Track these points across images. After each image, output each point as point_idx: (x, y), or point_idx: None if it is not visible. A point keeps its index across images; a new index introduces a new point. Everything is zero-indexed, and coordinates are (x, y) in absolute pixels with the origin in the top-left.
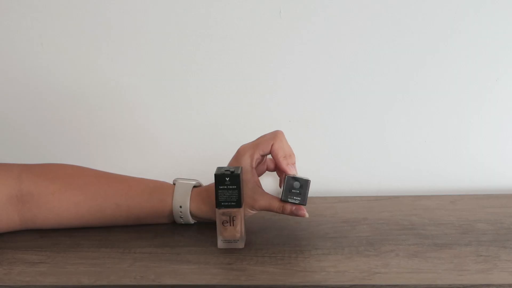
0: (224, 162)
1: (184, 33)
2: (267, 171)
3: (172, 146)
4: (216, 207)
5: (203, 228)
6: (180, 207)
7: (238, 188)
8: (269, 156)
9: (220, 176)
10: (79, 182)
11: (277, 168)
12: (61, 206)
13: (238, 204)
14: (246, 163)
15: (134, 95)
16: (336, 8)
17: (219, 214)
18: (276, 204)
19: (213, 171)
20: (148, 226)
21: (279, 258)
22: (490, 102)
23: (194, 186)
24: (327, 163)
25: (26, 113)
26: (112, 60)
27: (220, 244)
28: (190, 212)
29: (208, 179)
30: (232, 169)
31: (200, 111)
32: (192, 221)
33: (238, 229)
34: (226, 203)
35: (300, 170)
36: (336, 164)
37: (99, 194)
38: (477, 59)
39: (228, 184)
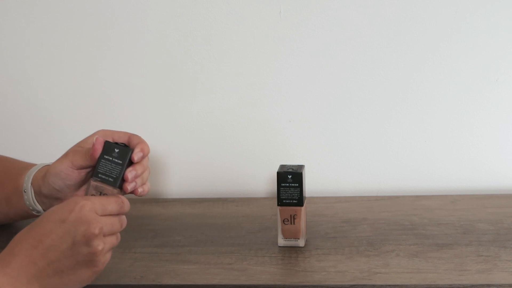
0: (224, 162)
1: (184, 33)
2: None
3: (172, 146)
4: (278, 204)
5: (203, 228)
6: (25, 191)
7: (300, 187)
8: None
9: (283, 174)
10: None
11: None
12: None
13: (300, 202)
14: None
15: (134, 95)
16: (336, 8)
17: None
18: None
19: (213, 170)
20: (148, 226)
21: (279, 258)
22: (491, 102)
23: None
24: (327, 163)
25: (25, 113)
26: (112, 60)
27: (281, 242)
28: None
29: (207, 179)
30: (294, 167)
31: (200, 111)
32: (33, 199)
33: (299, 228)
34: (287, 201)
35: None
36: (336, 164)
37: None
38: (477, 59)
39: (290, 182)
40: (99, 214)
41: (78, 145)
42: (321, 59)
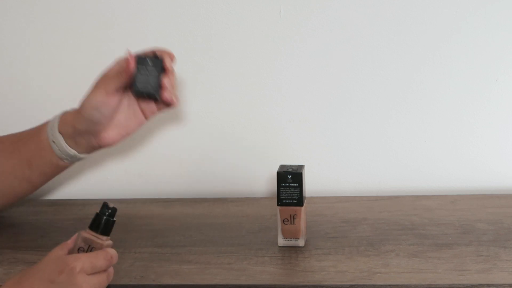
0: (224, 162)
1: (184, 33)
2: None
3: (172, 146)
4: (278, 204)
5: (203, 228)
6: (54, 141)
7: (300, 187)
8: None
9: (283, 174)
10: None
11: None
12: None
13: (300, 202)
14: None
15: None
16: (336, 8)
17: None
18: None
19: (213, 170)
20: (148, 226)
21: (279, 258)
22: (491, 102)
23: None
24: (327, 163)
25: (26, 113)
26: (112, 60)
27: (281, 242)
28: (58, 127)
29: (207, 179)
30: (294, 167)
31: (200, 111)
32: (65, 145)
33: (299, 228)
34: (287, 201)
35: None
36: (336, 164)
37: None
38: (477, 59)
39: (290, 182)
40: (88, 273)
41: (102, 75)
42: (321, 59)
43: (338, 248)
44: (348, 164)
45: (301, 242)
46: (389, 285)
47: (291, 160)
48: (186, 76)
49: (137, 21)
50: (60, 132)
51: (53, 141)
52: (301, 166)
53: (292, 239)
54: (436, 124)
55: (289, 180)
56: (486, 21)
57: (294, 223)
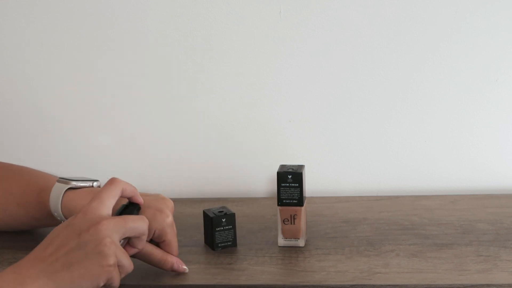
0: (224, 162)
1: (184, 33)
2: None
3: (172, 146)
4: (278, 204)
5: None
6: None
7: (300, 187)
8: None
9: (283, 174)
10: None
11: None
12: None
13: (300, 202)
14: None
15: (134, 95)
16: (336, 8)
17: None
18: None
19: (213, 170)
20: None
21: (279, 258)
22: (491, 102)
23: (70, 188)
24: (327, 163)
25: (25, 113)
26: (112, 60)
27: (281, 242)
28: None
29: (207, 179)
30: (294, 167)
31: (200, 111)
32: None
33: (299, 228)
34: (287, 201)
35: None
36: (336, 164)
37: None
38: (477, 59)
39: (290, 182)
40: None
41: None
42: (321, 59)
43: (338, 248)
44: (348, 164)
45: (301, 242)
46: (389, 285)
47: (291, 160)
48: (186, 76)
49: (137, 21)
50: (62, 213)
51: (55, 213)
52: (301, 166)
53: (292, 239)
54: (436, 124)
55: (289, 180)
56: (486, 21)
57: (294, 223)
